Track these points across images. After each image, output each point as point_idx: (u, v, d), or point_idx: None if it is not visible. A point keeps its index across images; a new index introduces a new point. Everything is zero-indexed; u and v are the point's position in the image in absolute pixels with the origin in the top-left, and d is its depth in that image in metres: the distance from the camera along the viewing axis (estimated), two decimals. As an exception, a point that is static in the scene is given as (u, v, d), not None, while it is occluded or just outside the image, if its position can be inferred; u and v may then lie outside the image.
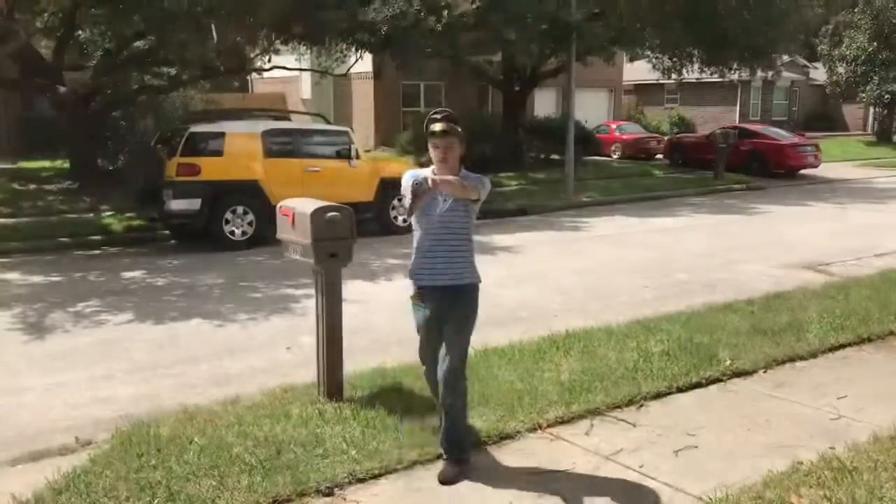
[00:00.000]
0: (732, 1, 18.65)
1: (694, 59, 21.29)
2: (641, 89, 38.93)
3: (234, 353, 6.69)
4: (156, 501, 3.86)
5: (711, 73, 22.80)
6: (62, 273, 10.21)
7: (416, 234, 4.36)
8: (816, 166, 23.58)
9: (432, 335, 4.35)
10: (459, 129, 4.22)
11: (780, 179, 22.45)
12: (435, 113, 4.24)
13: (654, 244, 12.28)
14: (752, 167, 22.78)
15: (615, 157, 27.52)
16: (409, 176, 4.23)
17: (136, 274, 10.22)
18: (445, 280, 4.27)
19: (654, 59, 22.46)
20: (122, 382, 6.03)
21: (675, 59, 21.59)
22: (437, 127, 4.16)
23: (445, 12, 14.18)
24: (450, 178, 4.03)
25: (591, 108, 31.73)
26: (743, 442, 4.63)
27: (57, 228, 12.78)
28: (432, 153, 4.20)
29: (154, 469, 4.19)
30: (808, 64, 41.16)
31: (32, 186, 16.42)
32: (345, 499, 3.94)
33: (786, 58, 35.49)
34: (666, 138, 28.50)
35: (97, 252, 11.94)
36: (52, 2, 14.15)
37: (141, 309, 8.21)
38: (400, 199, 13.26)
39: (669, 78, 22.95)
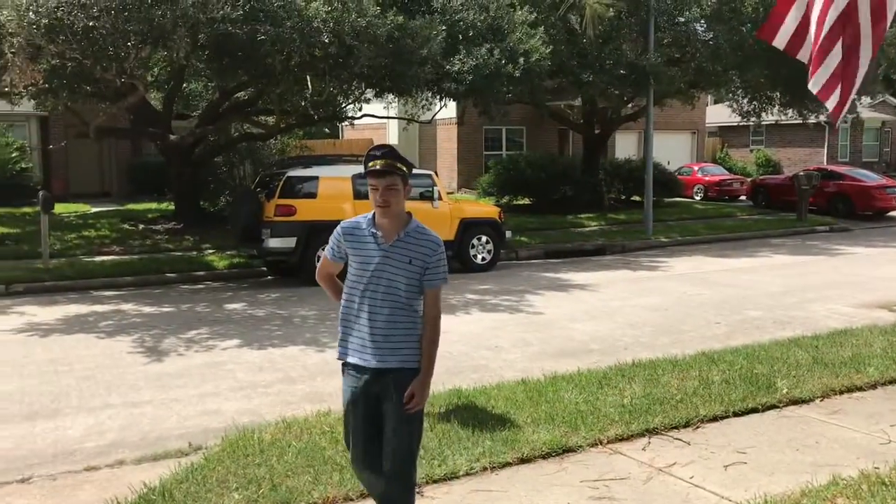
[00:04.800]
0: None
1: (774, 102, 21.40)
2: (726, 131, 38.77)
3: (326, 375, 7.35)
4: (261, 491, 4.51)
5: (790, 116, 22.81)
6: (172, 304, 11.19)
7: (346, 289, 3.66)
8: (906, 208, 23.15)
9: (363, 424, 3.61)
10: (404, 168, 3.51)
11: (867, 221, 22.14)
12: (374, 149, 3.54)
13: (730, 283, 12.50)
14: (838, 209, 22.56)
15: (697, 198, 27.57)
16: (339, 228, 3.64)
17: (238, 306, 11.11)
18: (383, 362, 3.54)
19: (733, 103, 22.66)
20: (227, 399, 6.77)
21: (754, 103, 21.75)
22: (377, 165, 3.46)
23: (522, 59, 14.85)
24: (421, 390, 3.48)
25: (674, 150, 31.89)
26: (790, 461, 4.98)
27: (164, 265, 13.86)
28: (371, 196, 3.50)
29: (258, 466, 4.84)
30: (901, 104, 40.18)
31: (140, 226, 17.75)
32: (422, 495, 4.49)
33: (878, 98, 34.91)
34: (749, 180, 28.39)
35: (201, 286, 12.94)
36: (165, 59, 15.49)
37: (243, 336, 9.02)
38: (479, 238, 14.00)
39: (749, 121, 23.06)
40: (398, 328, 3.52)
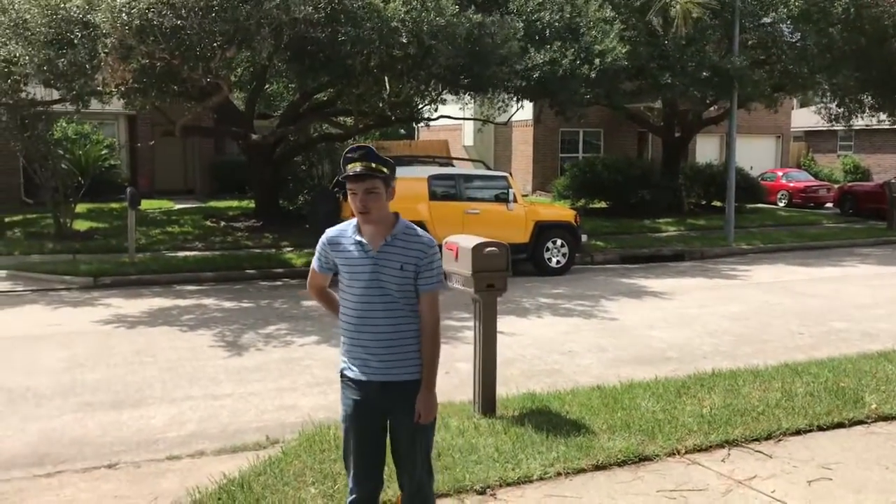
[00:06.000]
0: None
1: (864, 106, 20.61)
2: (812, 135, 37.54)
3: (399, 375, 7.41)
4: (336, 486, 4.56)
5: (881, 121, 21.91)
6: (251, 300, 11.45)
7: (341, 300, 3.44)
8: None
9: (369, 440, 3.42)
10: (385, 170, 3.26)
11: (963, 231, 21.11)
12: (351, 150, 3.28)
13: (814, 293, 12.09)
14: (933, 218, 21.53)
15: (781, 204, 26.76)
16: (325, 238, 3.45)
17: (315, 303, 11.16)
18: (384, 375, 3.34)
19: (820, 108, 21.91)
20: (304, 394, 6.89)
21: (843, 106, 20.98)
22: (355, 167, 3.22)
23: (598, 60, 14.66)
24: (426, 406, 3.31)
25: (757, 155, 31.03)
26: (878, 479, 4.78)
27: (244, 261, 14.19)
28: (351, 201, 3.28)
29: (334, 462, 4.90)
30: None
31: (222, 223, 18.21)
32: (495, 497, 4.48)
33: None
34: (836, 186, 27.42)
35: (279, 283, 13.19)
36: (248, 59, 15.87)
37: (320, 333, 9.16)
38: (554, 242, 13.87)
39: (839, 124, 22.26)
40: (401, 338, 3.31)
